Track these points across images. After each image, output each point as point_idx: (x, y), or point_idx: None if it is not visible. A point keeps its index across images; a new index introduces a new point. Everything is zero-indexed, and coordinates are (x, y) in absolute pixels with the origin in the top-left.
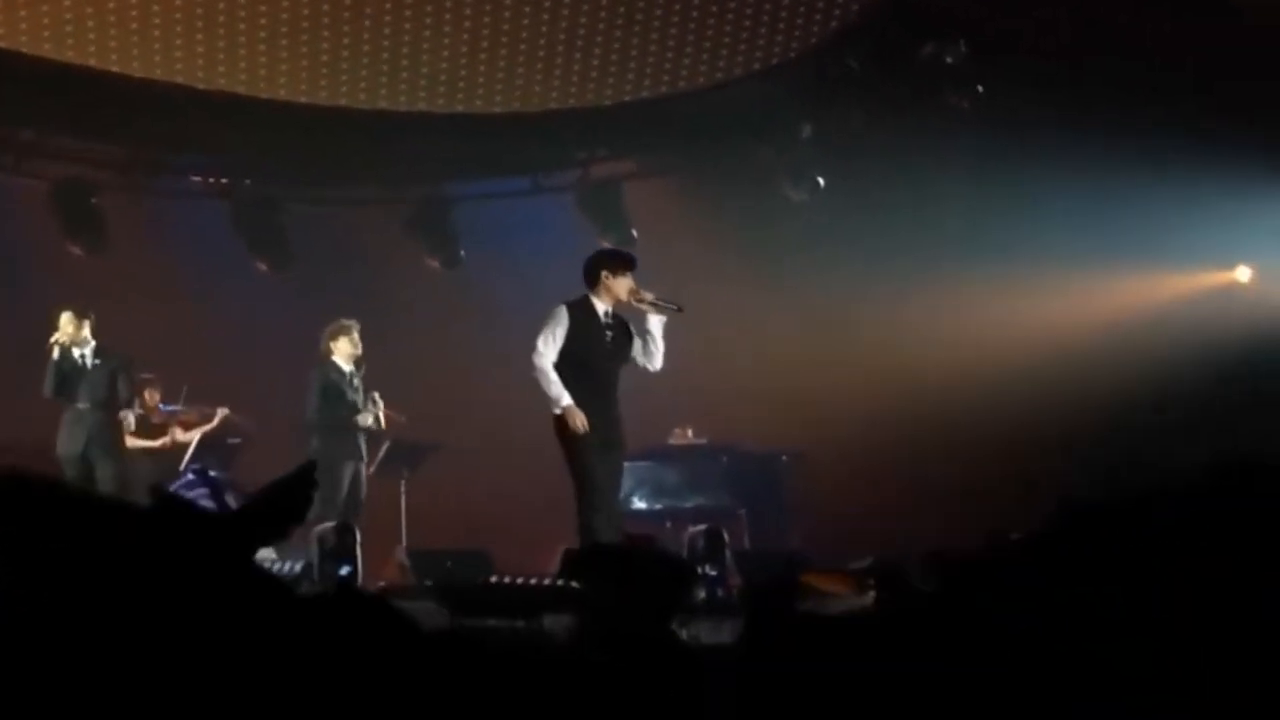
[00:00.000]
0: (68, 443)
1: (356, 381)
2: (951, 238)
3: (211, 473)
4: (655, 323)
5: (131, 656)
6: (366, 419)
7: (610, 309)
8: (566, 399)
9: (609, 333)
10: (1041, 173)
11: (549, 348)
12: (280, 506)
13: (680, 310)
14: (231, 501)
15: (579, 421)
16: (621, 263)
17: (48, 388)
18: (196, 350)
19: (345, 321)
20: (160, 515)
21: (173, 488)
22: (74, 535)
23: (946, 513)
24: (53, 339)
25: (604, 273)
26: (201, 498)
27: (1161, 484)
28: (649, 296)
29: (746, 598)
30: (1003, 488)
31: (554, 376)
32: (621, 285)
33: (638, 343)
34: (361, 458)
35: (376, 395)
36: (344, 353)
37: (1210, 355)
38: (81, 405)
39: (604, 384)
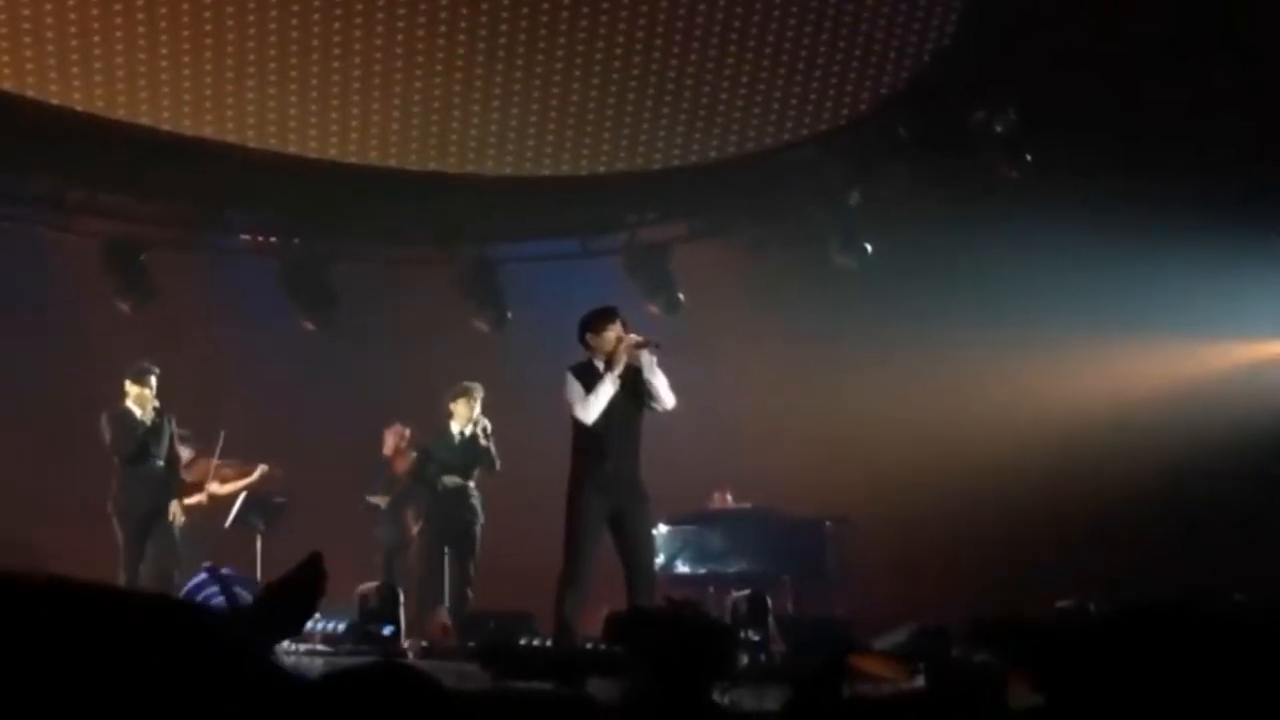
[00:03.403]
0: (135, 501)
1: (464, 444)
2: (999, 306)
3: (224, 570)
4: (647, 363)
5: None
6: (454, 481)
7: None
8: (611, 373)
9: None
10: (1089, 242)
11: (583, 401)
12: (288, 603)
13: (659, 346)
14: (244, 597)
15: (631, 343)
16: (599, 319)
17: (129, 450)
18: (239, 407)
19: (467, 384)
20: (162, 613)
21: (188, 586)
22: (67, 638)
23: (991, 580)
24: (128, 402)
25: (588, 335)
26: (213, 596)
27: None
28: (633, 339)
29: (794, 680)
30: (1047, 557)
31: (590, 397)
32: (606, 340)
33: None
34: (464, 518)
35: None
36: (460, 416)
37: (1258, 426)
38: (151, 465)
39: (617, 444)
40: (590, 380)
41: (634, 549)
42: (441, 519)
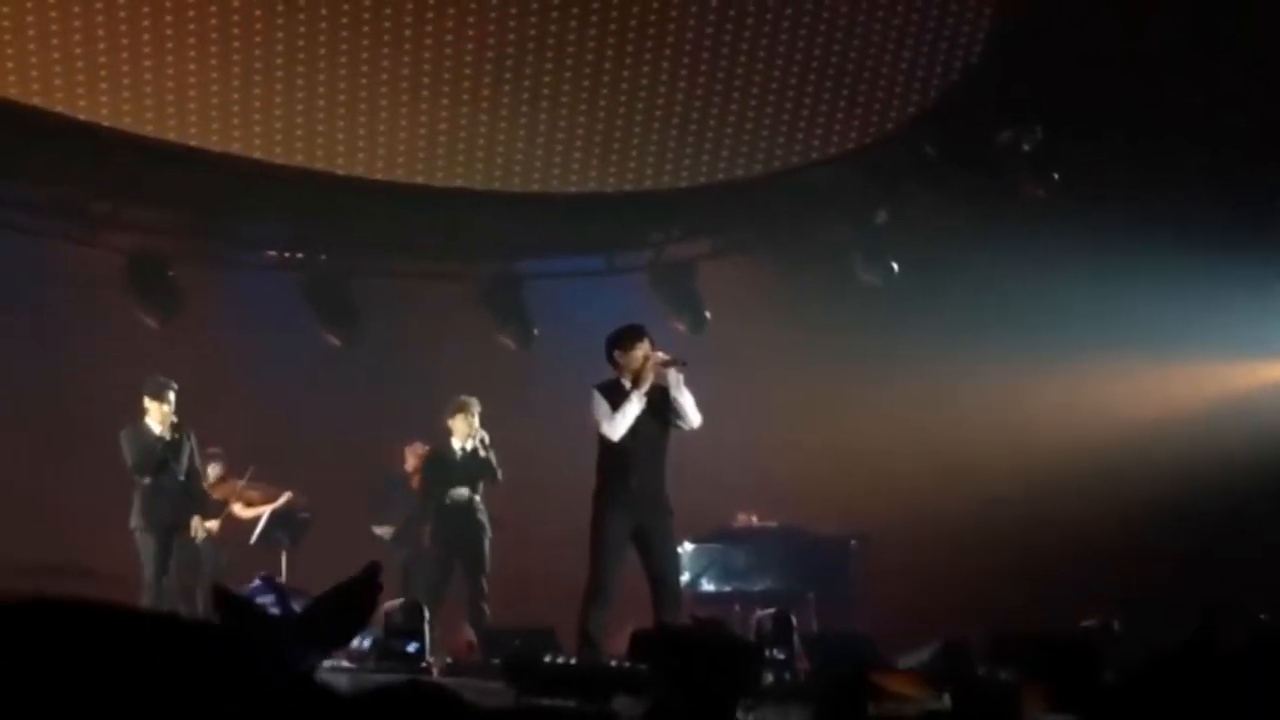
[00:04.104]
0: (157, 516)
1: (466, 458)
2: (1024, 325)
3: (278, 580)
4: (674, 381)
5: None
6: (459, 494)
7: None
8: (638, 391)
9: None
10: (1116, 260)
11: (610, 419)
12: (344, 612)
13: (686, 364)
14: (297, 608)
15: (658, 363)
16: (627, 337)
17: (148, 466)
18: (264, 422)
19: (463, 399)
20: (216, 636)
21: (245, 591)
22: (123, 663)
23: (1015, 598)
24: (147, 418)
25: (615, 353)
26: (269, 605)
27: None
28: (660, 358)
29: (817, 699)
30: (1071, 574)
31: (616, 415)
32: (634, 358)
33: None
34: (473, 533)
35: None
36: (459, 431)
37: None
38: (166, 481)
39: (642, 461)
40: (616, 398)
41: (659, 564)
42: (450, 535)
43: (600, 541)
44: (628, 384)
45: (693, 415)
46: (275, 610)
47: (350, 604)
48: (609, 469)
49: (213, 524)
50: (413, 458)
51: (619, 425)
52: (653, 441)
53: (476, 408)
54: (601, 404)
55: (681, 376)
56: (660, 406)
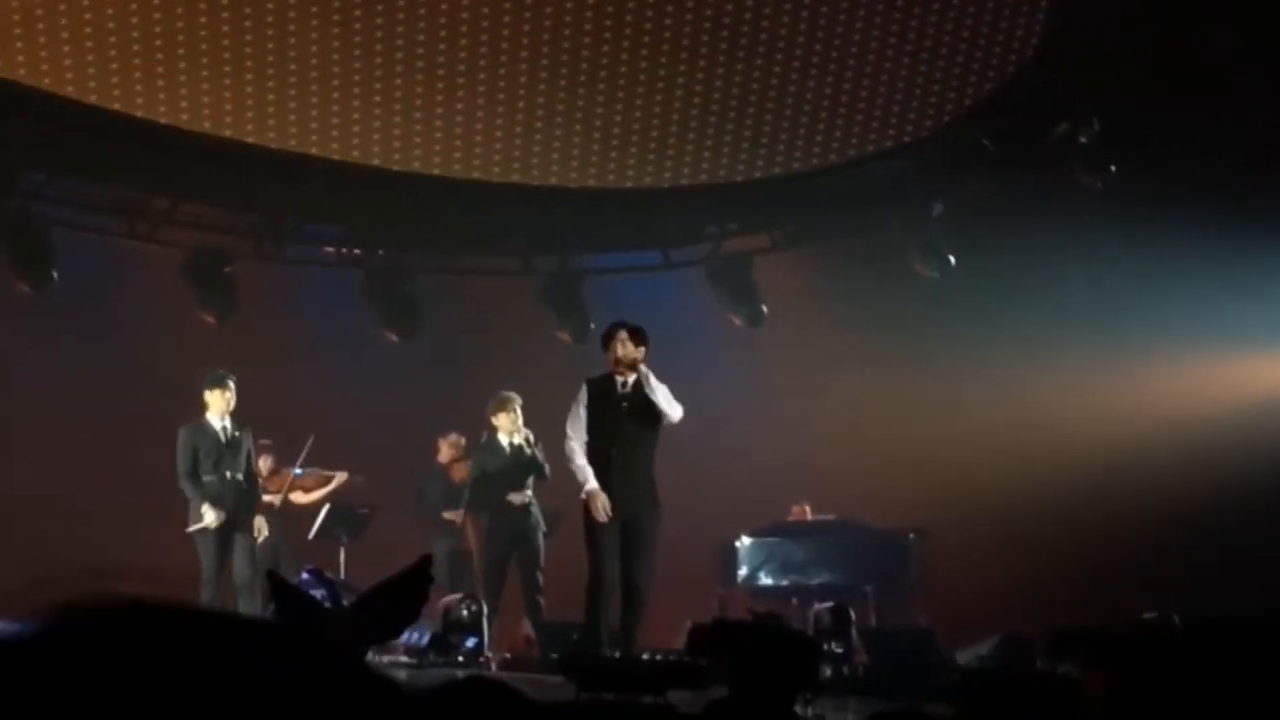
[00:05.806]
0: (210, 515)
1: (515, 453)
2: (1082, 318)
3: (327, 574)
4: (643, 375)
5: None
6: (521, 498)
7: (629, 379)
8: (590, 484)
9: (625, 402)
10: (1172, 254)
11: (575, 431)
12: (394, 605)
13: (633, 369)
14: (347, 602)
15: (599, 505)
16: (603, 337)
17: (206, 464)
18: (321, 420)
19: (505, 394)
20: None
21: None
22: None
23: (1072, 591)
24: (208, 414)
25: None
26: (319, 598)
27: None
28: (626, 353)
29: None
30: (1128, 568)
31: (579, 462)
32: (609, 357)
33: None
34: (527, 527)
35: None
36: (504, 427)
37: None
38: (227, 478)
39: (626, 452)
40: (600, 397)
41: (628, 560)
42: (504, 531)
43: (590, 532)
44: (619, 378)
45: (669, 410)
46: (326, 603)
47: (401, 597)
48: (591, 464)
49: (274, 498)
50: (446, 448)
51: (573, 456)
52: (635, 436)
53: (518, 402)
54: (577, 403)
55: (650, 373)
56: (641, 402)
